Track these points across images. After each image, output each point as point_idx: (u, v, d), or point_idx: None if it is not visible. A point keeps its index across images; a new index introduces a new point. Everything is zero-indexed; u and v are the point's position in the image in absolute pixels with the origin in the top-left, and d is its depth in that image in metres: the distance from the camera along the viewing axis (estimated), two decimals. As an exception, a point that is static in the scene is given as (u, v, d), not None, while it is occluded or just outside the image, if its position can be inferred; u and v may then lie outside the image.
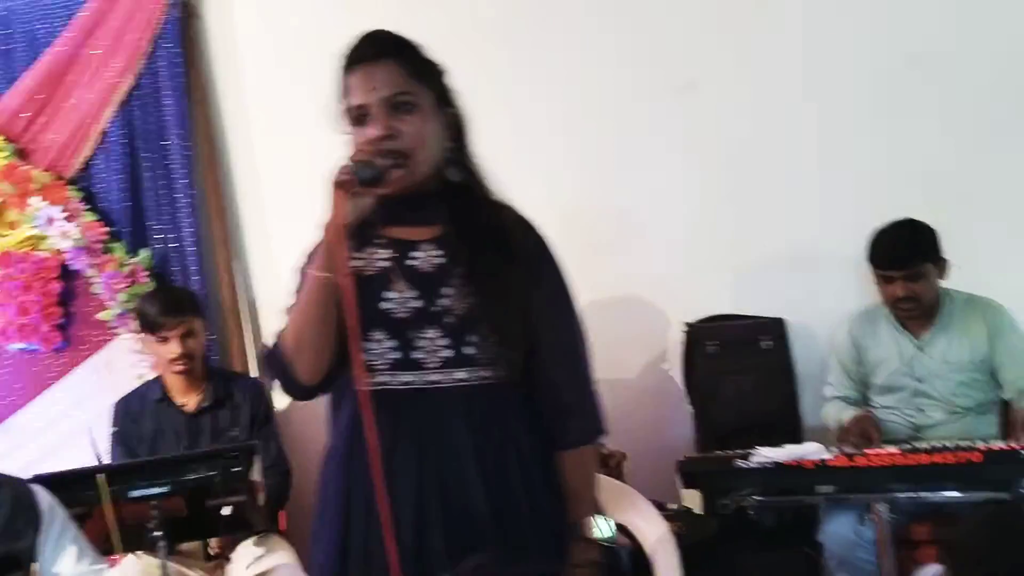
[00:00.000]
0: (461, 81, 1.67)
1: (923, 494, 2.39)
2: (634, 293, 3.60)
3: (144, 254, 3.45)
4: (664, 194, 3.55)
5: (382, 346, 1.56)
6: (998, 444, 2.48)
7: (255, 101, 3.66)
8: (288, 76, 3.63)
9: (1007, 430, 2.71)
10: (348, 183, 1.48)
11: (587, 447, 1.66)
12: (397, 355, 1.55)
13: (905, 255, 2.80)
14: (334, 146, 3.64)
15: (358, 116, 1.57)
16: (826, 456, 2.51)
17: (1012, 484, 2.31)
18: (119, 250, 3.42)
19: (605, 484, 2.40)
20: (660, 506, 2.62)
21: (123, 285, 3.35)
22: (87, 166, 3.54)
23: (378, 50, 1.60)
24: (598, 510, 1.60)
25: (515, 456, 1.58)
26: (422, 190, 1.59)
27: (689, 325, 3.49)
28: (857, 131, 3.40)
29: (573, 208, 3.57)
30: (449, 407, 1.55)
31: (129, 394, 3.10)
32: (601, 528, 1.58)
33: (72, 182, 3.51)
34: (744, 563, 3.05)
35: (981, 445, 2.47)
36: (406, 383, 1.55)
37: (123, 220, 3.49)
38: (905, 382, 2.92)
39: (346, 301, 1.49)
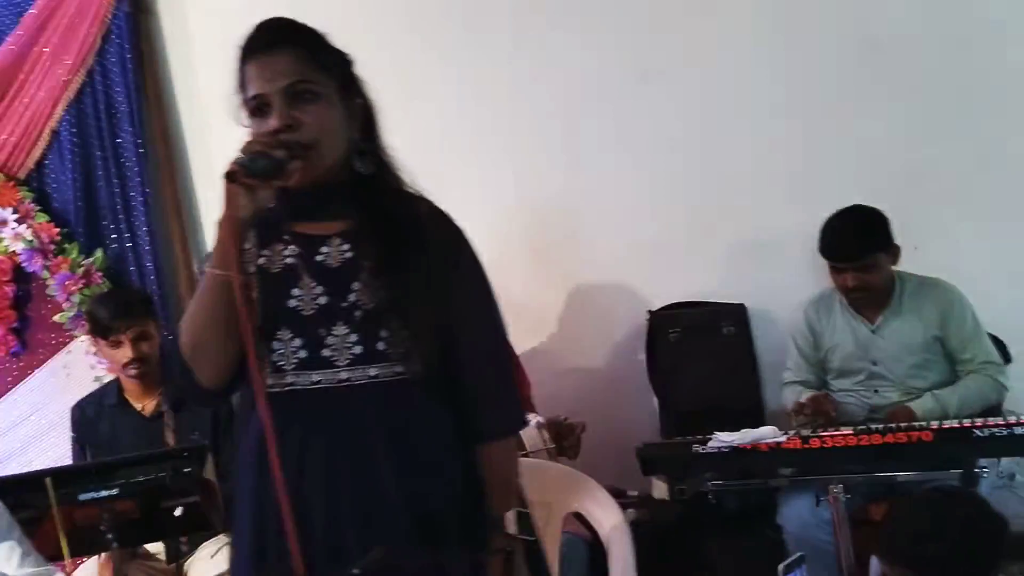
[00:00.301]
0: (431, 74, 1.63)
1: (875, 474, 2.39)
2: (598, 282, 3.60)
3: (98, 254, 3.41)
4: (626, 183, 3.55)
5: (289, 345, 1.52)
6: (950, 423, 2.48)
7: (211, 98, 3.62)
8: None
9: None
10: (237, 175, 1.42)
11: (507, 439, 1.63)
12: (304, 354, 1.51)
13: (854, 247, 2.80)
14: None
15: (257, 107, 1.51)
16: (781, 439, 2.51)
17: (962, 462, 2.32)
18: (73, 251, 3.39)
19: (562, 473, 2.42)
20: (621, 493, 2.61)
21: (77, 286, 3.32)
22: (39, 166, 3.51)
23: (276, 39, 1.54)
24: (518, 502, 1.57)
25: (431, 451, 1.54)
26: (329, 183, 1.54)
27: (651, 312, 3.50)
28: (814, 116, 3.39)
29: (536, 199, 3.59)
30: (361, 405, 1.51)
31: (86, 398, 3.04)
32: (520, 521, 1.56)
33: (24, 183, 3.47)
34: (709, 548, 3.06)
35: (934, 425, 2.47)
36: (315, 383, 1.51)
37: (77, 220, 3.46)
38: (861, 365, 2.92)
39: (237, 298, 1.43)
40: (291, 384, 1.52)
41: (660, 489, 3.20)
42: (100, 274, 3.39)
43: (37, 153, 3.49)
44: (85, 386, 3.22)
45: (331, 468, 1.51)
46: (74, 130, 3.48)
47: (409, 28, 3.56)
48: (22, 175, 3.48)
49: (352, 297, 1.52)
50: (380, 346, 1.51)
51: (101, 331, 2.84)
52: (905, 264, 2.98)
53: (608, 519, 2.13)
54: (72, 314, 3.36)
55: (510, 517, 1.55)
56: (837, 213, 2.86)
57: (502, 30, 3.57)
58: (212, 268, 1.47)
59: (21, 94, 3.46)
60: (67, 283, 3.33)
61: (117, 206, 3.46)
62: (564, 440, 2.78)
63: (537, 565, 1.66)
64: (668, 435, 3.21)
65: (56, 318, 3.42)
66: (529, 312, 3.60)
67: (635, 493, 2.67)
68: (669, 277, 3.53)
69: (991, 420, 2.41)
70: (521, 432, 2.61)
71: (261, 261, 1.54)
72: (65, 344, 3.42)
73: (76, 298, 3.33)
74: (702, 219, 3.52)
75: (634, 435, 3.31)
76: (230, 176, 1.42)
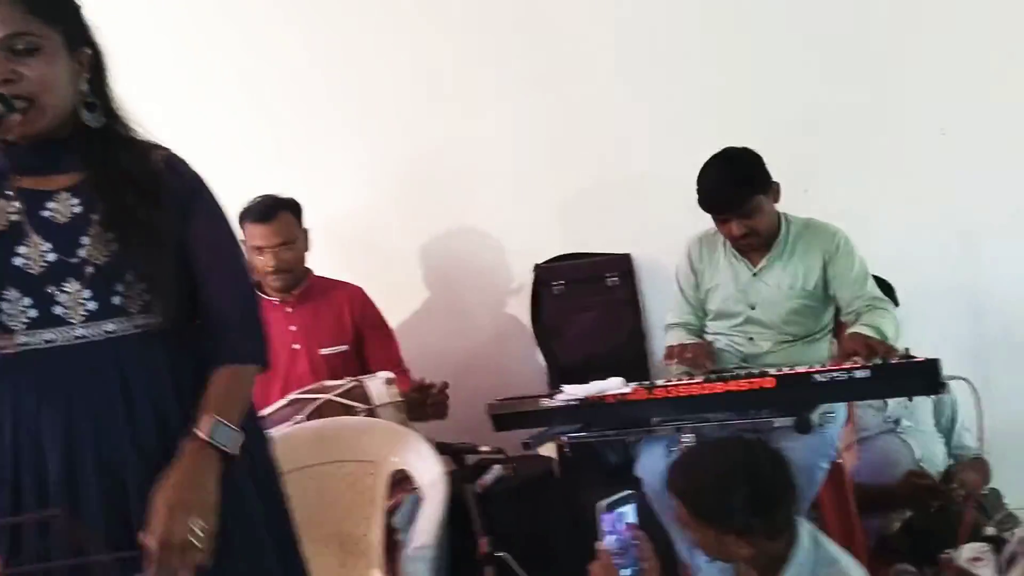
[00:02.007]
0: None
1: (716, 423, 2.34)
2: (482, 239, 3.53)
3: None
4: (507, 133, 3.47)
5: (18, 305, 1.47)
6: (802, 368, 2.42)
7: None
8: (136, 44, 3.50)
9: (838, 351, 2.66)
10: None
11: (240, 367, 1.54)
12: (35, 313, 1.47)
13: (734, 196, 2.71)
14: (184, 111, 3.55)
15: None
16: (626, 391, 2.46)
17: (805, 407, 2.26)
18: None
19: (386, 430, 2.37)
20: (473, 449, 2.56)
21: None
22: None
23: None
24: (228, 421, 1.46)
25: (177, 405, 1.50)
26: (54, 137, 1.49)
27: (537, 266, 3.44)
28: (701, 58, 3.32)
29: (415, 154, 3.50)
30: (99, 361, 1.47)
31: None
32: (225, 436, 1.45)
33: None
34: (584, 502, 3.02)
35: (775, 372, 2.42)
36: (48, 341, 1.47)
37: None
38: (739, 308, 2.86)
39: None
40: (24, 344, 1.47)
41: (548, 447, 3.17)
42: None
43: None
44: None
45: (70, 432, 1.47)
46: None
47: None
48: None
49: (82, 253, 1.48)
50: (116, 300, 1.49)
51: None
52: (794, 208, 2.90)
53: (427, 473, 2.09)
54: None
55: (207, 423, 1.45)
56: (709, 162, 2.76)
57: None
58: None
59: None
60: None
61: None
62: (427, 400, 2.73)
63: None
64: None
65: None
66: (412, 271, 3.55)
67: (486, 448, 2.60)
68: (554, 230, 3.47)
69: (831, 365, 2.34)
70: (368, 385, 2.58)
71: None
72: None
73: None
74: (586, 169, 3.45)
75: (520, 392, 3.28)
76: None
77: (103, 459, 1.46)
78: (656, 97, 3.36)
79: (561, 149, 3.43)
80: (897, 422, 3.12)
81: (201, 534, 1.37)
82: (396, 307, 3.37)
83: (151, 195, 1.50)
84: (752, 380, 2.32)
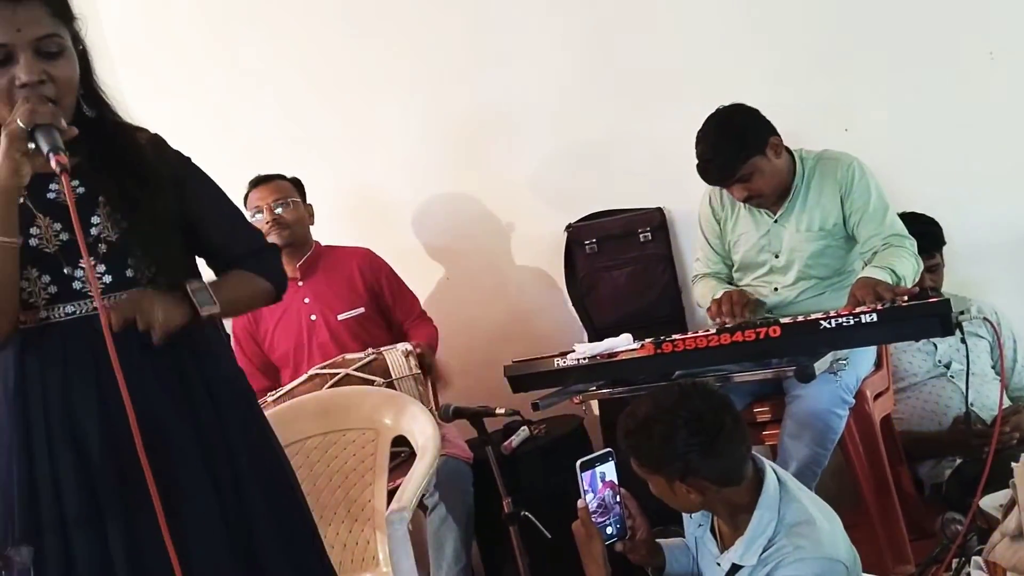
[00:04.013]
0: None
1: (723, 374, 2.28)
2: (515, 201, 3.51)
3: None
4: (535, 91, 3.43)
5: (38, 283, 1.57)
6: (816, 314, 2.33)
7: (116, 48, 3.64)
8: (154, 43, 3.63)
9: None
10: (62, 160, 1.44)
11: (250, 274, 1.70)
12: (55, 289, 1.57)
13: (724, 166, 2.61)
14: (198, 98, 3.66)
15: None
16: (635, 347, 2.42)
17: (811, 354, 2.19)
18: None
19: (384, 397, 2.40)
20: (490, 411, 2.57)
21: None
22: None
23: None
24: (214, 293, 1.61)
25: (195, 363, 1.63)
26: None
27: (570, 225, 3.40)
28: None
29: (445, 118, 3.50)
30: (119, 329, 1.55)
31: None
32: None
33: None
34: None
35: (783, 320, 2.33)
36: (69, 314, 1.57)
37: None
38: (763, 258, 2.78)
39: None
40: (45, 318, 1.57)
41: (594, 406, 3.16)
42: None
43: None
44: None
45: (102, 397, 1.57)
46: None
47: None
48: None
49: (94, 231, 1.58)
50: (128, 273, 1.59)
51: None
52: (834, 146, 2.79)
53: (421, 432, 2.12)
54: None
55: (199, 285, 1.60)
56: (702, 128, 2.66)
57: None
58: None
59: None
60: None
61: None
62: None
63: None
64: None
65: None
66: (446, 237, 3.57)
67: (502, 410, 2.59)
68: (587, 188, 3.43)
69: (835, 311, 2.25)
70: (388, 358, 2.62)
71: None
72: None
73: None
74: (615, 124, 3.38)
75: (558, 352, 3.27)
76: (64, 169, 1.44)
77: (139, 418, 1.52)
78: (687, 45, 3.27)
79: (591, 104, 3.37)
80: (948, 366, 2.98)
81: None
82: (430, 273, 3.41)
83: (146, 172, 1.61)
84: (759, 330, 2.25)
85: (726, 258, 2.89)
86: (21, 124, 1.45)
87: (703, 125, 2.65)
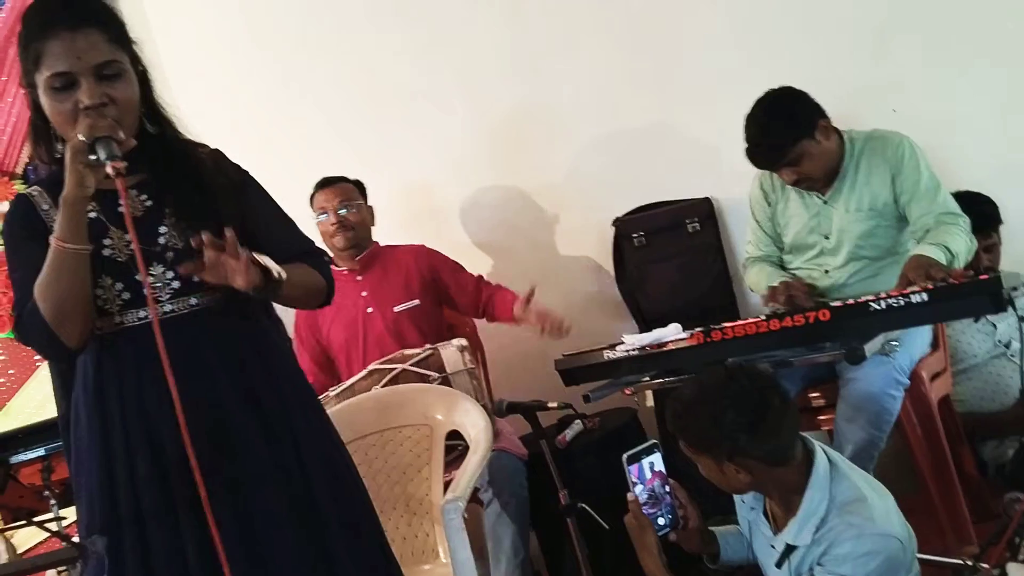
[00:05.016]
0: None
1: (766, 355, 2.28)
2: (561, 196, 3.54)
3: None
4: (581, 88, 3.45)
5: (112, 290, 1.65)
6: (867, 296, 2.31)
7: (173, 73, 3.75)
8: (207, 59, 3.73)
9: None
10: (120, 170, 1.52)
11: (311, 269, 1.77)
12: (128, 295, 1.66)
13: (772, 151, 2.61)
14: (248, 108, 3.78)
15: (63, 84, 1.61)
16: (684, 336, 2.43)
17: (860, 338, 2.17)
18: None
19: (437, 394, 2.45)
20: (542, 405, 2.59)
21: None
22: (32, 160, 3.73)
23: (81, 15, 1.63)
24: (284, 274, 1.64)
25: (259, 361, 1.71)
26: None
27: (617, 219, 3.42)
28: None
29: (490, 111, 3.54)
30: (189, 330, 1.66)
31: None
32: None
33: (20, 176, 3.72)
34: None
35: (845, 302, 2.31)
36: (142, 318, 1.65)
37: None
38: (813, 240, 2.76)
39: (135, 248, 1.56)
40: (119, 323, 1.66)
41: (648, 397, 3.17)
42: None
43: (28, 147, 3.71)
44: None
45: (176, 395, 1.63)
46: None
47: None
48: (18, 169, 3.72)
49: (162, 240, 1.68)
50: (195, 278, 1.64)
51: None
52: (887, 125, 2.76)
53: (472, 425, 2.17)
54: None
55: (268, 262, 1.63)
56: (750, 112, 2.66)
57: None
58: (65, 243, 1.60)
59: (5, 94, 3.69)
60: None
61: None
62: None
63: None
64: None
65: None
66: (496, 236, 3.61)
67: (554, 404, 2.61)
68: (633, 180, 3.44)
69: (886, 292, 2.23)
70: (443, 354, 2.67)
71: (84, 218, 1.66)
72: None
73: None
74: (663, 116, 3.39)
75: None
76: (119, 174, 1.53)
77: (206, 415, 1.63)
78: (732, 29, 3.26)
79: (633, 98, 3.39)
80: (1008, 345, 2.94)
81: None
82: (479, 269, 3.42)
83: (205, 185, 1.71)
84: (808, 314, 2.25)
85: (777, 241, 2.87)
86: (82, 137, 1.54)
87: (752, 108, 2.65)
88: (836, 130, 2.70)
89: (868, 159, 2.68)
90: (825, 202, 2.73)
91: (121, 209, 1.64)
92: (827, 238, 2.74)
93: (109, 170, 1.52)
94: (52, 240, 1.61)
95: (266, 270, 1.61)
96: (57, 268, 1.61)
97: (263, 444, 1.67)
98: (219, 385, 1.67)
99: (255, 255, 1.61)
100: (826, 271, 2.75)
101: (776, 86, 2.70)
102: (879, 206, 2.66)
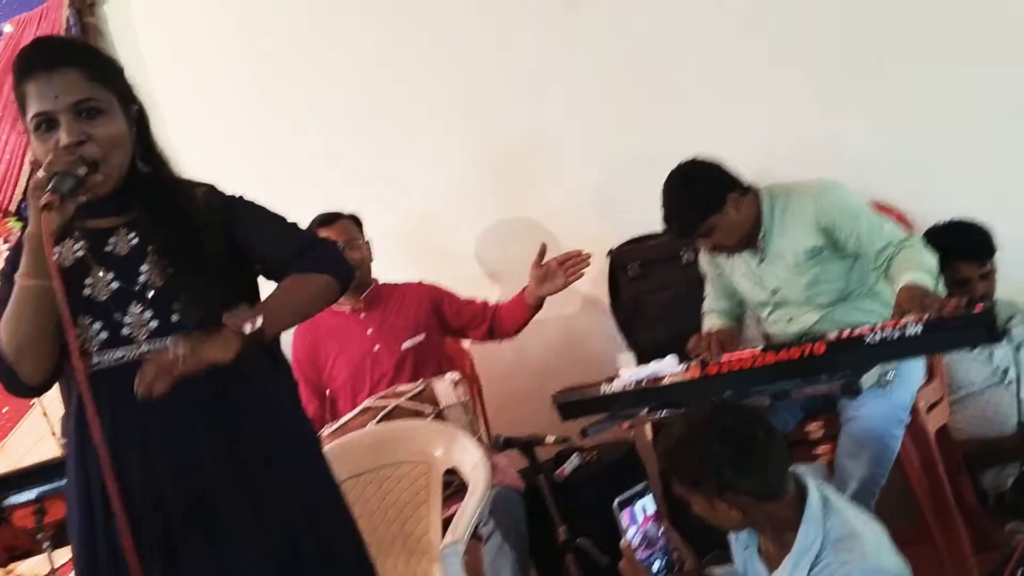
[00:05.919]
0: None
1: (769, 393, 2.28)
2: (556, 228, 3.54)
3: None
4: (572, 119, 3.47)
5: (90, 330, 1.65)
6: (862, 328, 2.31)
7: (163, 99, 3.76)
8: (192, 75, 3.74)
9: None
10: (53, 204, 1.54)
11: (302, 275, 1.72)
12: (105, 335, 1.65)
13: (685, 227, 2.67)
14: (245, 142, 3.80)
15: (41, 124, 1.62)
16: (680, 370, 2.43)
17: (855, 371, 2.17)
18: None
19: (433, 430, 2.44)
20: (540, 440, 2.58)
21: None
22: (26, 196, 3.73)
23: (57, 58, 1.64)
24: (266, 315, 1.61)
25: (248, 405, 1.68)
26: (116, 185, 1.68)
27: (611, 251, 3.42)
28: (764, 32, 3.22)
29: (486, 144, 3.56)
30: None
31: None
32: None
33: (14, 214, 3.72)
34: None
35: (840, 335, 2.32)
36: (119, 359, 1.65)
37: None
38: (763, 297, 2.78)
39: (58, 299, 1.56)
40: (97, 364, 1.65)
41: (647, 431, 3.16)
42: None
43: (23, 184, 3.72)
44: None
45: (146, 441, 1.64)
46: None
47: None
48: (12, 207, 3.73)
49: (142, 279, 1.67)
50: (174, 318, 1.65)
51: None
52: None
53: (469, 459, 2.16)
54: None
55: (255, 317, 1.60)
56: (665, 183, 2.69)
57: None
58: (27, 279, 1.61)
59: (-4, 133, 3.71)
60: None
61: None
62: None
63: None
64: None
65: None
66: (489, 268, 3.61)
67: (552, 437, 2.61)
68: (627, 211, 3.44)
69: (880, 324, 2.23)
70: (435, 387, 2.67)
71: (55, 258, 1.65)
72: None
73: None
74: (656, 148, 3.39)
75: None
76: (48, 207, 1.54)
77: (179, 466, 1.62)
78: (718, 70, 3.28)
79: (626, 129, 3.40)
80: (1005, 373, 2.94)
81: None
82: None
83: (198, 225, 1.69)
84: (803, 347, 2.25)
85: (730, 296, 2.90)
86: (40, 173, 1.56)
87: (665, 181, 2.68)
88: (754, 192, 2.70)
89: (789, 214, 2.67)
90: (760, 261, 2.74)
91: (108, 248, 1.69)
92: (774, 293, 2.75)
93: (43, 200, 1.53)
94: (16, 276, 1.62)
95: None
96: (19, 304, 1.63)
97: (238, 492, 1.64)
98: (196, 431, 1.64)
99: (226, 317, 1.59)
100: (789, 319, 2.76)
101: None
102: (808, 252, 2.64)
